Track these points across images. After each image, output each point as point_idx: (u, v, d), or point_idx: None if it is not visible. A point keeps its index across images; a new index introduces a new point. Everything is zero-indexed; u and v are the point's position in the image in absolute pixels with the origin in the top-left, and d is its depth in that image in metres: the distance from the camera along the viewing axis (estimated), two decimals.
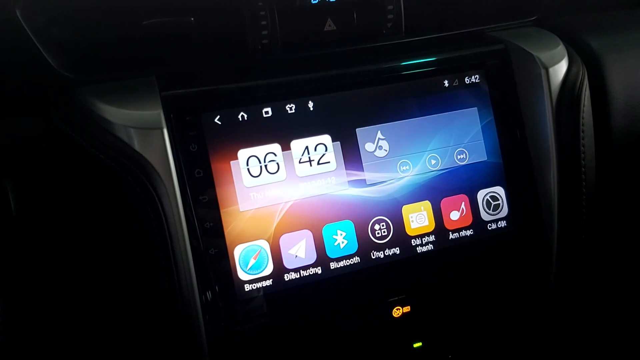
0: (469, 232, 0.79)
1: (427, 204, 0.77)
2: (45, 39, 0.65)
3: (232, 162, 0.70)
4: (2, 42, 0.64)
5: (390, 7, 0.77)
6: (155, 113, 0.65)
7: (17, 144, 0.66)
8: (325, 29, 0.75)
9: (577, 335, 0.91)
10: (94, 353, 0.70)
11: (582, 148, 0.79)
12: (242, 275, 0.70)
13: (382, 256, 0.75)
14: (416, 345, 0.82)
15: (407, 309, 0.79)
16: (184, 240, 0.66)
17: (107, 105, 0.65)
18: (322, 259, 0.73)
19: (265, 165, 0.72)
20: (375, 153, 0.75)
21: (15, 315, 0.55)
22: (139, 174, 0.64)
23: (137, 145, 0.64)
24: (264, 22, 0.73)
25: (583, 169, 0.79)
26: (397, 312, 0.78)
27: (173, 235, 0.65)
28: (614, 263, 0.90)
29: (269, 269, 0.71)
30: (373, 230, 0.75)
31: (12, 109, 0.68)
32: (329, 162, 0.74)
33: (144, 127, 0.65)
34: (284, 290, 0.72)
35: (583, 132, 0.79)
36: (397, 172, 0.76)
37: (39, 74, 0.67)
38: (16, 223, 0.63)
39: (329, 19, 0.75)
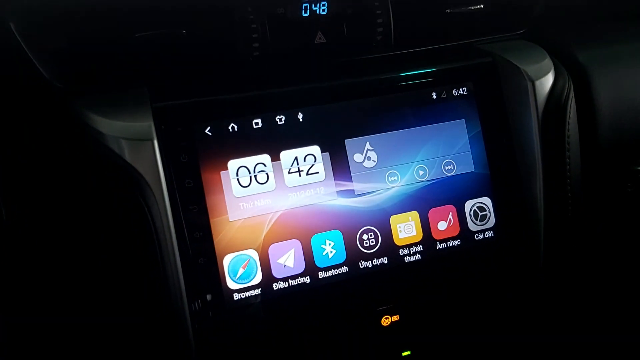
0: (456, 242, 0.80)
1: (415, 214, 0.78)
2: (38, 50, 0.66)
3: (222, 173, 0.71)
4: None
5: (380, 21, 0.78)
6: (145, 125, 0.66)
7: (9, 156, 0.67)
8: (315, 41, 0.77)
9: (567, 343, 0.92)
10: (83, 355, 0.71)
11: (567, 160, 0.80)
12: (231, 285, 0.71)
13: (370, 266, 0.76)
14: (405, 354, 0.83)
15: (395, 318, 0.79)
16: (173, 250, 0.67)
17: (99, 116, 0.66)
18: (311, 268, 0.74)
19: (255, 176, 0.73)
20: (363, 164, 0.76)
21: (9, 316, 0.55)
22: (129, 184, 0.64)
23: (127, 156, 0.65)
24: (255, 35, 0.74)
25: (569, 180, 0.80)
26: (385, 321, 0.79)
27: (162, 245, 0.66)
28: (601, 271, 0.91)
29: (257, 278, 0.72)
30: (361, 240, 0.76)
31: (4, 118, 0.68)
32: (318, 172, 0.75)
33: (135, 138, 0.65)
34: (273, 300, 0.73)
35: (569, 143, 0.80)
36: (386, 182, 0.77)
37: (32, 84, 0.68)
38: (6, 228, 0.63)
39: (319, 32, 0.77)
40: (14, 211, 0.65)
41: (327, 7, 0.76)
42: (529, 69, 0.80)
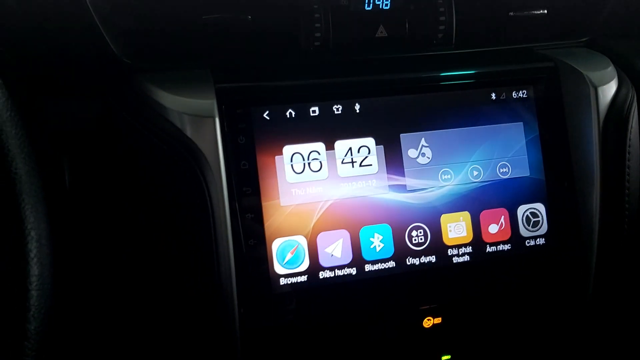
0: (506, 247, 0.78)
1: (466, 214, 0.77)
2: (110, 26, 0.68)
3: (276, 157, 0.72)
4: (71, 26, 0.67)
5: (442, 19, 0.78)
6: (208, 102, 0.67)
7: (75, 124, 0.69)
8: (377, 35, 0.77)
9: (615, 353, 0.89)
10: (129, 329, 0.72)
11: (627, 170, 0.78)
12: (278, 269, 0.71)
13: (417, 263, 0.76)
14: (444, 358, 0.81)
15: (438, 320, 0.78)
16: (227, 229, 0.67)
17: (164, 91, 0.68)
18: (358, 260, 0.74)
19: (309, 163, 0.73)
20: (417, 160, 0.76)
21: (64, 278, 0.57)
22: (189, 159, 0.66)
23: (189, 132, 0.66)
24: (317, 25, 0.74)
25: (627, 190, 0.78)
26: (427, 322, 0.78)
27: (217, 223, 0.66)
28: None
29: (304, 265, 0.72)
30: (410, 237, 0.75)
31: (74, 91, 0.71)
32: (371, 164, 0.75)
33: (197, 114, 0.67)
34: (318, 288, 0.72)
35: (629, 153, 0.78)
36: (439, 180, 0.76)
37: (102, 59, 0.70)
38: (69, 195, 0.65)
39: (381, 26, 0.77)
40: (78, 180, 0.67)
41: (390, 2, 0.76)
42: (592, 75, 0.79)
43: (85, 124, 0.70)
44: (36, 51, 0.68)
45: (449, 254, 0.77)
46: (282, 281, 0.72)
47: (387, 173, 0.75)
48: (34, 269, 0.50)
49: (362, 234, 0.74)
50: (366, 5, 0.76)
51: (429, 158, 0.76)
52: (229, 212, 0.68)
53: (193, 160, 0.66)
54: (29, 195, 0.51)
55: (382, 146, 0.75)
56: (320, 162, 0.73)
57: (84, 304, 0.70)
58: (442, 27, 0.78)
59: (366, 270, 0.74)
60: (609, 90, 0.79)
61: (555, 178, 0.80)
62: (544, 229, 0.80)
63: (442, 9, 0.78)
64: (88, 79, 0.71)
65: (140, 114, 0.68)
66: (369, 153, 0.75)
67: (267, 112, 0.72)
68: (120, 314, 0.73)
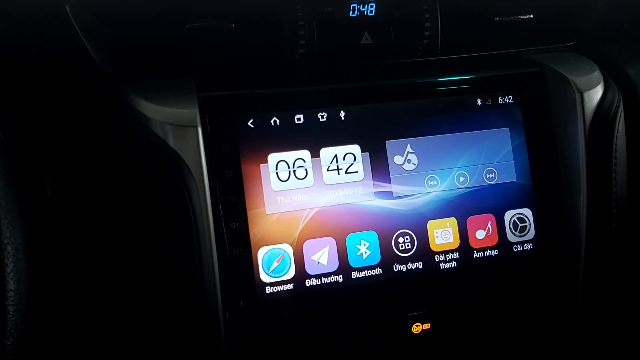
0: (493, 252, 0.78)
1: (452, 220, 0.77)
2: (92, 35, 0.68)
3: (261, 165, 0.72)
4: (51, 35, 0.67)
5: (427, 25, 0.78)
6: (191, 112, 0.67)
7: (57, 135, 0.69)
8: (361, 42, 0.77)
9: (605, 356, 0.89)
10: (113, 338, 0.71)
11: (613, 174, 0.78)
12: (264, 277, 0.71)
13: (404, 269, 0.75)
14: None
15: (427, 326, 0.78)
16: (210, 238, 0.67)
17: (146, 101, 0.67)
18: (344, 267, 0.74)
19: (294, 171, 0.73)
20: (403, 166, 0.76)
21: (46, 292, 0.57)
22: (171, 169, 0.65)
23: (171, 142, 0.66)
24: (302, 32, 0.74)
25: (614, 195, 0.78)
26: (416, 328, 0.78)
27: (200, 232, 0.66)
28: None
29: (290, 273, 0.72)
30: (397, 243, 0.75)
31: (56, 101, 0.70)
32: (356, 172, 0.74)
33: (180, 124, 0.66)
34: (304, 296, 0.72)
35: (615, 158, 0.78)
36: (425, 186, 0.76)
37: (83, 68, 0.69)
38: (50, 205, 0.65)
39: (366, 33, 0.76)
40: (59, 189, 0.66)
41: (375, 9, 0.76)
42: (578, 80, 0.79)
43: (69, 135, 0.69)
44: (16, 61, 0.68)
45: (436, 260, 0.76)
46: (268, 289, 0.71)
47: (373, 180, 0.75)
48: (11, 284, 0.49)
49: (349, 241, 0.74)
50: (351, 12, 0.75)
51: (414, 164, 0.76)
52: (212, 220, 0.67)
53: (175, 169, 0.66)
54: (5, 210, 0.50)
55: (367, 153, 0.75)
56: (306, 169, 0.73)
57: (68, 313, 0.70)
58: (427, 34, 0.78)
59: (353, 277, 0.74)
60: (595, 95, 0.79)
61: (542, 183, 0.80)
62: (531, 234, 0.80)
63: (427, 15, 0.77)
64: (70, 88, 0.71)
65: (123, 124, 0.68)
66: (355, 160, 0.75)
67: (251, 120, 0.72)
68: (106, 321, 0.73)
